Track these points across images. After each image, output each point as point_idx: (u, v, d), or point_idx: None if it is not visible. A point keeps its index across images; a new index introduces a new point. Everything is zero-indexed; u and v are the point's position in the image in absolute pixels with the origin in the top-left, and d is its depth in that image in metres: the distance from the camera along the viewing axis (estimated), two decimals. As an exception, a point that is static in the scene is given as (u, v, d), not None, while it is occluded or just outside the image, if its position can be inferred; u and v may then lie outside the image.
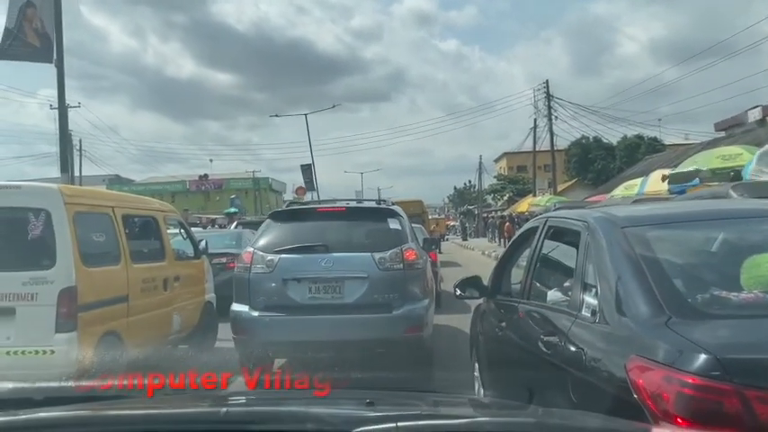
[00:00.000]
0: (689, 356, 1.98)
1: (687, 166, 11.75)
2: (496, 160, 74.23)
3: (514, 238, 4.68)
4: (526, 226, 4.43)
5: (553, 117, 31.75)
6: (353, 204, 6.91)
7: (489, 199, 64.74)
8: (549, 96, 31.61)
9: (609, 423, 1.56)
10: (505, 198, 60.37)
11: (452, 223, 50.42)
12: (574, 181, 45.41)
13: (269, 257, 5.84)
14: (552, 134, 31.98)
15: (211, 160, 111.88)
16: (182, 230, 7.96)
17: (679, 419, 1.93)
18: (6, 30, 10.71)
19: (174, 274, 6.95)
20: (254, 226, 15.46)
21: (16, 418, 1.46)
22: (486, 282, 4.44)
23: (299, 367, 6.10)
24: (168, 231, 7.35)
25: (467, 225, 51.57)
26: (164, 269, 6.75)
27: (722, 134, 27.86)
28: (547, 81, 32.26)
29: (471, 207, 61.31)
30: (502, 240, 34.76)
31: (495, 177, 66.11)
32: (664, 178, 11.94)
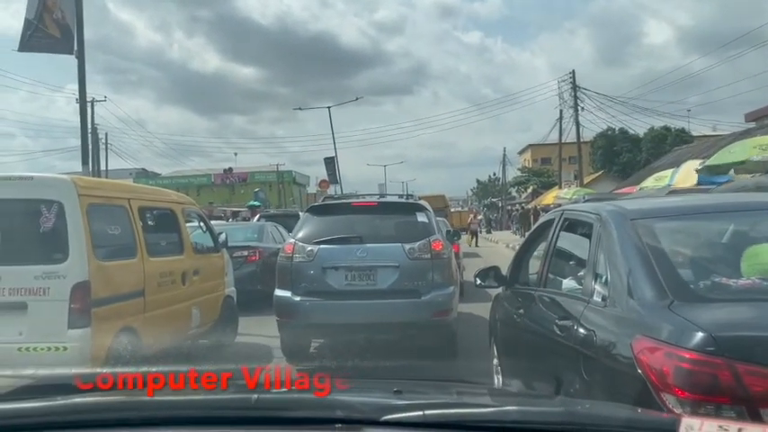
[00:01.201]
0: (687, 335, 2.16)
1: (722, 157, 11.27)
2: (521, 152, 73.34)
3: (532, 230, 4.79)
4: (543, 218, 4.63)
5: (579, 108, 30.94)
6: (384, 199, 7.48)
7: (513, 191, 63.97)
8: (575, 87, 30.87)
9: (636, 414, 1.56)
10: (529, 190, 59.61)
11: (478, 216, 49.90)
12: (600, 173, 44.62)
13: (309, 248, 6.33)
14: (578, 125, 31.23)
15: (236, 154, 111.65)
16: (201, 223, 7.79)
17: (678, 391, 2.12)
18: (27, 21, 10.59)
19: (192, 268, 6.78)
20: (277, 219, 15.37)
21: (55, 403, 1.51)
22: (504, 272, 4.58)
23: (335, 349, 6.54)
24: (187, 224, 7.18)
25: (491, 218, 50.98)
26: (182, 263, 6.58)
27: (753, 124, 27.10)
28: (573, 71, 31.50)
29: (495, 200, 60.65)
30: (527, 233, 34.24)
31: (519, 170, 65.26)
32: (700, 168, 11.48)
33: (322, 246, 6.34)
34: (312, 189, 64.19)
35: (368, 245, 6.33)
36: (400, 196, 7.67)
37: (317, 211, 7.03)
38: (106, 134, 37.42)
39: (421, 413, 1.33)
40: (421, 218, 6.63)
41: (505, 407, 1.56)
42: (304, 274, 6.30)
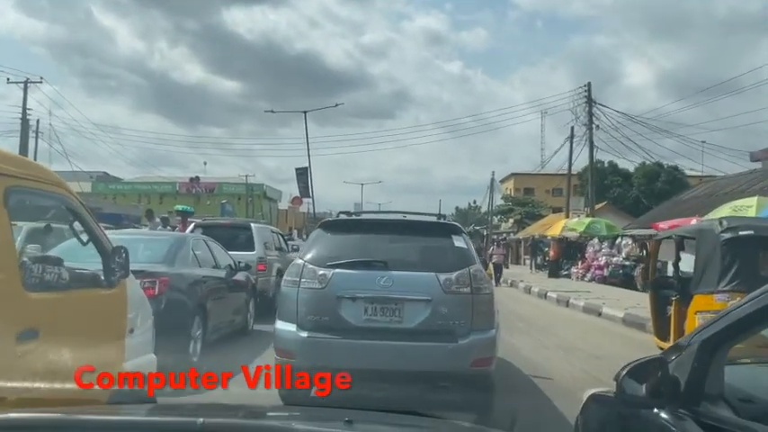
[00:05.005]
0: None
1: None
2: (503, 181, 70.68)
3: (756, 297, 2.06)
4: None
5: (594, 126, 27.42)
6: (413, 217, 6.40)
7: (495, 220, 61.32)
8: (590, 102, 27.29)
9: None
10: (511, 221, 56.65)
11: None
12: (604, 203, 41.63)
13: (321, 272, 5.40)
14: (592, 144, 27.70)
15: (205, 163, 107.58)
16: (76, 223, 3.88)
17: None
18: None
19: (12, 329, 2.85)
20: (217, 231, 11.19)
21: None
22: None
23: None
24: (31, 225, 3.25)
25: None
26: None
27: (759, 165, 26.43)
28: (588, 84, 27.93)
29: (479, 228, 57.29)
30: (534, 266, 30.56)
31: (502, 198, 62.61)
32: None
33: (337, 270, 5.42)
34: (284, 205, 60.69)
35: (394, 272, 5.39)
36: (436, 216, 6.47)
37: (330, 227, 5.99)
38: (38, 121, 32.28)
39: None
40: (458, 242, 5.70)
41: None
42: (313, 304, 5.36)
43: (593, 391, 2.90)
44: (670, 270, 8.90)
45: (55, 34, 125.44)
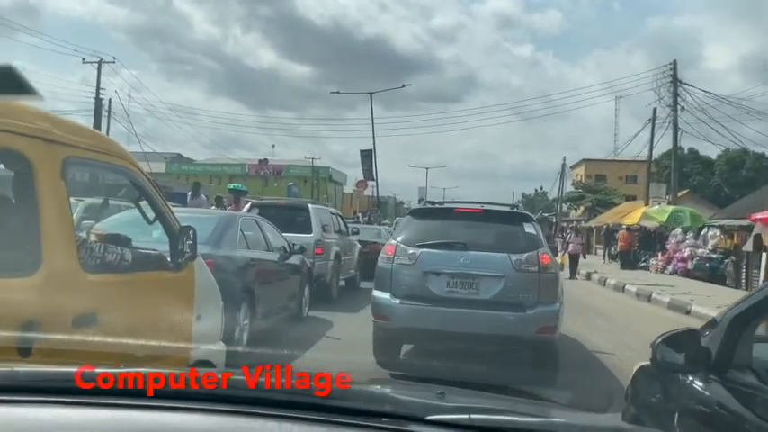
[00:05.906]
0: None
1: None
2: (573, 167, 68.34)
3: None
4: None
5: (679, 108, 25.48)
6: (490, 207, 7.20)
7: (565, 207, 59.43)
8: (675, 81, 25.34)
9: None
10: (581, 209, 54.65)
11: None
12: (686, 191, 39.44)
13: (411, 251, 6.29)
14: (676, 127, 25.76)
15: (274, 146, 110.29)
16: (142, 199, 3.59)
17: None
18: None
19: (77, 309, 2.54)
20: (272, 211, 10.64)
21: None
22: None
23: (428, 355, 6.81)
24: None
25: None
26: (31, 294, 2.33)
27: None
28: (674, 62, 25.92)
29: (547, 214, 55.64)
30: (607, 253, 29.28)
31: (572, 185, 60.42)
32: None
33: (424, 249, 6.28)
34: (349, 189, 61.05)
35: (472, 252, 6.21)
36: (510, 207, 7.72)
37: (419, 214, 7.10)
38: (110, 100, 32.84)
39: (467, 416, 1.30)
40: (528, 229, 6.50)
41: (553, 418, 1.54)
42: (404, 277, 6.28)
43: (641, 363, 3.17)
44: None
45: (135, 20, 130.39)
